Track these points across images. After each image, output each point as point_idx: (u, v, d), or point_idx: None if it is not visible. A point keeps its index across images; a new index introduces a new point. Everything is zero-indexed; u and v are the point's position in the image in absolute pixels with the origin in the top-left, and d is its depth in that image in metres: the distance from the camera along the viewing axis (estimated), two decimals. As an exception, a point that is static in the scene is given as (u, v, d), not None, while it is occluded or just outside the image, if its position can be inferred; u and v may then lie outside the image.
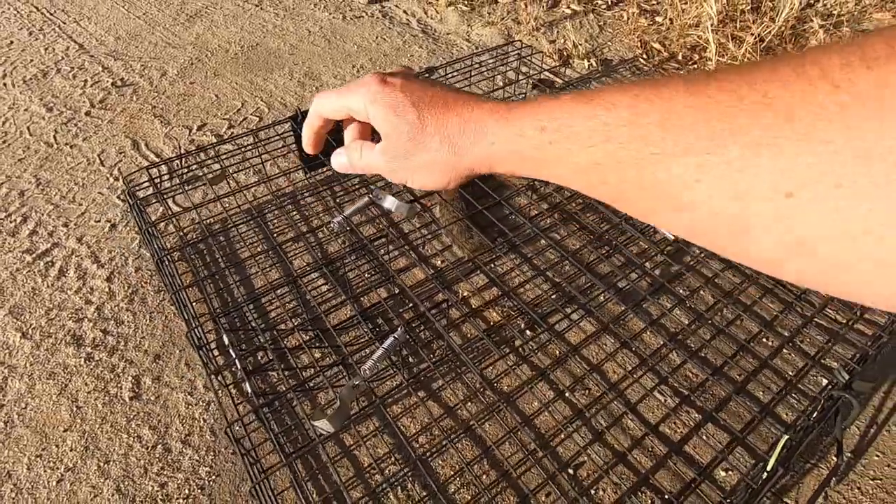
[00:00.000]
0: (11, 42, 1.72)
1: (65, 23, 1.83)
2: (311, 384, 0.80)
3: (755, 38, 1.58)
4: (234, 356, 0.70)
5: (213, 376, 0.76)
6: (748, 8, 1.80)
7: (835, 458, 0.72)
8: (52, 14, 1.88)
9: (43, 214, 1.12)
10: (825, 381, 0.81)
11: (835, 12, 1.80)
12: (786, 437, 0.60)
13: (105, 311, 0.94)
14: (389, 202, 0.69)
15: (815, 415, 0.65)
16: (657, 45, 1.66)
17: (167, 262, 0.92)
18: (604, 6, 1.89)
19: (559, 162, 0.25)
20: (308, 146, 0.40)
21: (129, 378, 0.84)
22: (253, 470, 0.65)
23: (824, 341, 0.86)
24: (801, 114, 0.17)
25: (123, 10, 1.90)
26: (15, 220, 1.10)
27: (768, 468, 0.58)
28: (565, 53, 1.64)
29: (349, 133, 0.38)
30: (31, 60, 1.63)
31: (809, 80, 0.17)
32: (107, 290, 0.97)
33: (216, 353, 0.85)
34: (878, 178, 0.15)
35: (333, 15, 1.87)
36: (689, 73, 0.21)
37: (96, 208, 1.13)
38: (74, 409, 0.81)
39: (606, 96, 0.24)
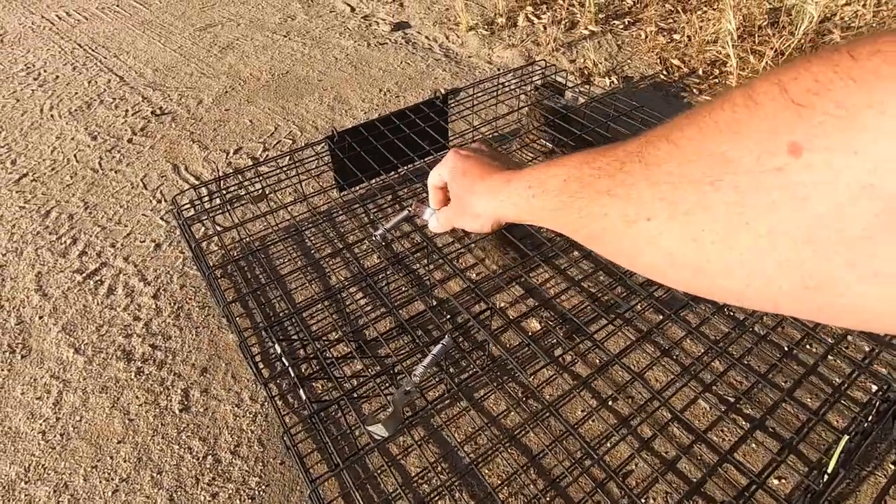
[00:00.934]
0: (57, 77, 1.81)
1: (105, 58, 1.93)
2: (359, 393, 0.81)
3: (775, 51, 1.60)
4: (286, 364, 0.72)
5: (264, 386, 0.77)
6: (766, 23, 1.83)
7: (892, 466, 0.70)
8: (93, 50, 1.99)
9: (91, 236, 1.17)
10: (874, 388, 0.80)
11: (854, 24, 1.82)
12: (846, 437, 0.59)
13: (153, 327, 0.97)
14: (428, 213, 0.72)
15: (871, 417, 0.64)
16: (676, 62, 1.69)
17: (214, 278, 0.95)
18: (621, 26, 1.94)
19: (540, 210, 0.34)
20: (433, 202, 0.51)
21: (179, 391, 0.86)
22: (306, 478, 0.66)
23: (870, 347, 0.85)
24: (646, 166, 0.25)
25: (160, 45, 2.00)
26: (65, 242, 1.15)
27: (829, 470, 0.57)
28: (586, 72, 1.67)
29: (433, 197, 0.50)
30: (76, 93, 1.71)
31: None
32: (154, 306, 1.00)
33: (262, 365, 0.87)
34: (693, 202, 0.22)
35: (358, 43, 1.94)
36: (598, 148, 0.30)
37: (141, 229, 1.18)
38: (127, 421, 0.83)
39: (555, 166, 0.33)
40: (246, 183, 1.20)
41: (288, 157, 1.22)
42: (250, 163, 1.35)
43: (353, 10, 2.23)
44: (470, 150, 0.45)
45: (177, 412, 0.83)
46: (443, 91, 1.61)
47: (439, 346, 0.72)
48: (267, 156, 1.38)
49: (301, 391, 0.71)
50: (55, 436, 0.82)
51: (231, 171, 1.32)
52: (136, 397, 0.86)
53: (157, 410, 0.84)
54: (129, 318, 0.98)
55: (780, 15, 1.86)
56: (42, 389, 0.88)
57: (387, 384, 0.83)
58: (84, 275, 1.07)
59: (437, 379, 0.83)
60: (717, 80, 1.59)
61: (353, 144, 1.13)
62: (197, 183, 1.29)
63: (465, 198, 0.43)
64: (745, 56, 1.62)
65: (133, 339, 0.95)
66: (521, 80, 1.46)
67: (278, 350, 0.74)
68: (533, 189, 0.34)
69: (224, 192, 1.18)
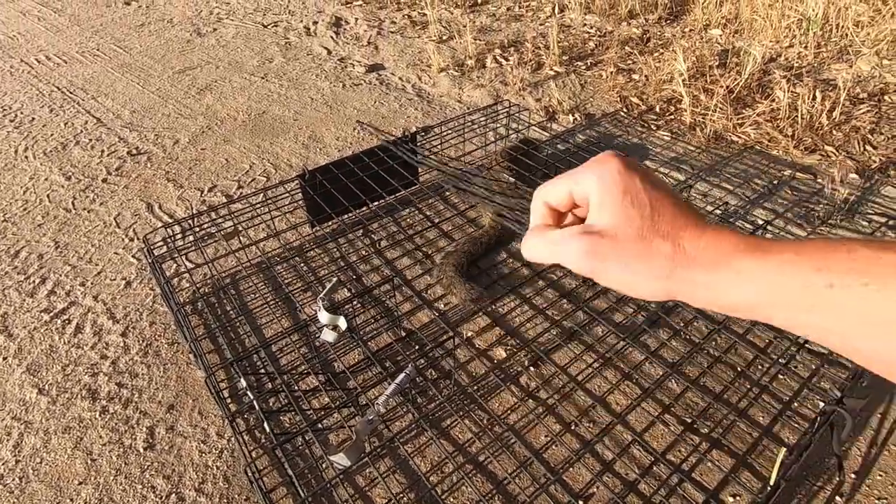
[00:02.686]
0: (33, 119, 1.83)
1: (83, 100, 1.96)
2: (324, 424, 0.82)
3: (725, 89, 1.71)
4: (251, 398, 0.73)
5: (230, 420, 0.78)
6: (716, 64, 1.95)
7: (837, 479, 0.73)
8: (71, 93, 2.02)
9: (61, 275, 1.17)
10: (822, 404, 0.83)
11: (795, 64, 1.96)
12: (783, 450, 0.62)
13: (120, 365, 0.96)
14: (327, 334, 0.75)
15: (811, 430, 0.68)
16: (635, 100, 1.79)
17: (182, 316, 0.96)
18: (584, 67, 2.05)
19: (843, 310, 0.23)
20: (536, 218, 0.34)
21: (144, 429, 0.86)
22: (269, 511, 0.66)
23: (817, 365, 0.89)
24: None
25: (138, 87, 2.04)
26: (34, 282, 1.15)
27: (771, 482, 0.59)
28: (551, 110, 1.76)
29: (536, 213, 0.33)
30: (52, 134, 1.73)
31: None
32: (122, 344, 1.00)
33: (229, 400, 0.87)
34: None
35: (334, 84, 2.02)
36: None
37: (112, 267, 1.18)
38: (89, 461, 0.82)
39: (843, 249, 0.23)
40: (219, 220, 1.22)
41: (261, 195, 1.25)
42: (224, 200, 1.37)
43: (329, 52, 2.32)
44: (642, 170, 0.29)
45: (141, 450, 0.83)
46: (412, 130, 1.68)
47: (402, 374, 0.74)
48: (241, 193, 1.40)
49: (266, 423, 0.71)
50: (13, 479, 0.80)
51: (205, 208, 1.34)
52: (100, 437, 0.85)
53: (121, 449, 0.83)
54: (96, 357, 0.98)
55: (729, 56, 2.00)
56: (2, 432, 0.87)
57: (353, 415, 0.84)
58: (51, 314, 1.07)
59: (404, 409, 0.84)
60: (672, 117, 1.68)
61: (324, 182, 1.17)
62: (170, 221, 1.31)
63: (651, 238, 0.28)
64: (697, 94, 1.73)
65: (99, 377, 0.94)
66: (488, 117, 1.53)
67: (243, 384, 0.75)
68: (832, 275, 0.23)
69: (196, 229, 1.19)
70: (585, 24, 2.46)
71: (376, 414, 0.68)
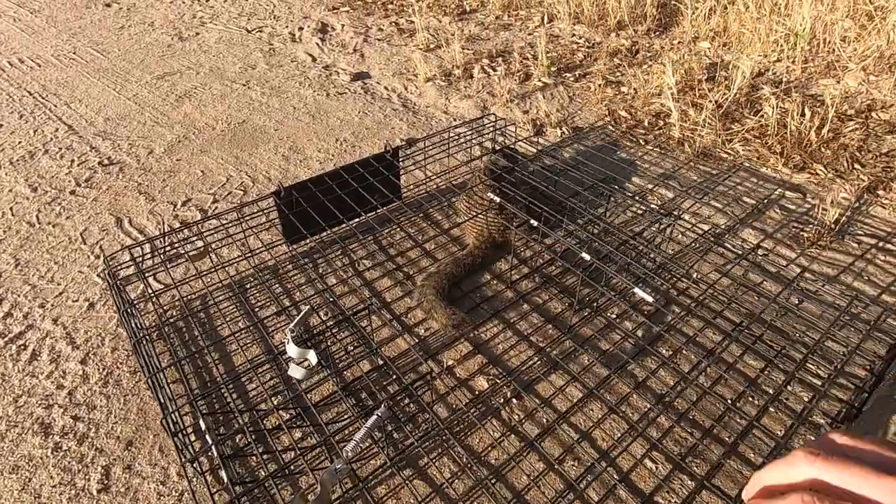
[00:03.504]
0: (0, 125, 1.76)
1: (56, 105, 1.89)
2: (292, 468, 0.77)
3: (714, 104, 1.69)
4: (210, 442, 0.68)
5: (188, 464, 0.72)
6: (705, 77, 1.94)
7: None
8: (44, 98, 1.95)
9: (19, 296, 1.10)
10: (813, 439, 0.80)
11: (784, 79, 1.95)
12: None
13: (77, 396, 0.90)
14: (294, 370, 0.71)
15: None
16: (624, 113, 1.76)
17: (144, 343, 0.90)
18: (572, 79, 2.02)
19: None
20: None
21: (99, 468, 0.80)
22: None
23: (808, 398, 0.86)
24: None
25: (114, 93, 1.97)
26: (-11, 303, 1.08)
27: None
28: (538, 123, 1.73)
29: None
30: (20, 142, 1.66)
31: None
32: (80, 372, 0.94)
33: (193, 437, 0.82)
34: None
35: (318, 92, 1.97)
36: None
37: (75, 287, 1.12)
38: (37, 506, 0.76)
39: None
40: (192, 237, 1.16)
41: (235, 212, 1.20)
42: (198, 215, 1.32)
43: (314, 59, 2.27)
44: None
45: (94, 493, 0.77)
46: (395, 143, 1.63)
47: (373, 417, 0.69)
48: (216, 208, 1.35)
49: (223, 472, 0.66)
50: (-47, 527, 0.74)
51: (177, 224, 1.28)
52: (51, 477, 0.79)
53: (73, 492, 0.77)
54: (51, 387, 0.92)
55: (718, 70, 1.98)
56: (-56, 472, 0.80)
57: (323, 456, 0.79)
58: (6, 339, 1.01)
59: (378, 449, 0.79)
60: (661, 131, 1.66)
61: (300, 200, 1.12)
62: (139, 238, 1.25)
63: None
64: (686, 109, 1.71)
65: (54, 410, 0.88)
66: (474, 131, 1.49)
67: (202, 426, 0.69)
68: None
69: (166, 248, 1.14)
70: (574, 35, 2.44)
71: (345, 462, 0.63)
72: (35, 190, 1.43)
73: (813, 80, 1.93)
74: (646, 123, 1.69)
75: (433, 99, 1.91)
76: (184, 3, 3.03)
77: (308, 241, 1.19)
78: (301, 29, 2.60)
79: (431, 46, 2.34)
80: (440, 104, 1.88)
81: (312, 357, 0.78)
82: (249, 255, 1.14)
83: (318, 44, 2.43)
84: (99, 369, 0.95)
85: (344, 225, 1.20)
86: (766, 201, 1.33)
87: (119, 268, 1.07)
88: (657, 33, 2.44)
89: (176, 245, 1.14)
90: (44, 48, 2.42)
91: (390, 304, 1.05)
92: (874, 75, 1.91)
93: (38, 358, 0.97)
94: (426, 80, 2.02)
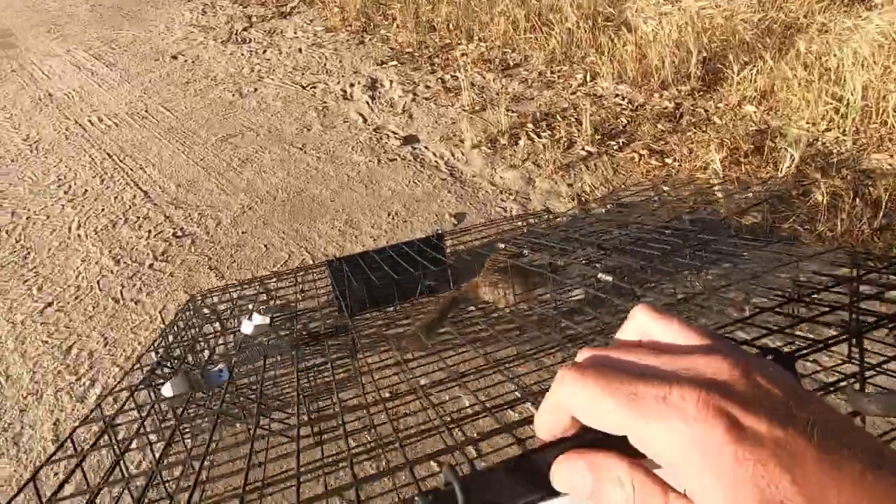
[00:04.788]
0: (86, 191, 1.93)
1: (132, 169, 2.06)
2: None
3: (761, 185, 1.70)
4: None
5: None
6: (751, 149, 1.94)
7: None
8: (121, 160, 2.12)
9: (109, 377, 1.22)
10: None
11: (833, 150, 1.93)
12: None
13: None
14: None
15: None
16: (666, 187, 1.79)
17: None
18: (616, 147, 2.06)
19: None
20: (544, 433, 0.23)
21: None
22: None
23: None
24: None
25: (183, 157, 2.14)
26: (84, 384, 1.20)
27: None
28: (583, 198, 1.77)
29: (550, 423, 0.22)
30: (103, 209, 1.82)
31: None
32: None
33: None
34: None
35: (369, 158, 2.07)
36: None
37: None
38: None
39: None
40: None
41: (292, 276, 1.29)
42: (263, 296, 1.42)
43: (365, 120, 2.39)
44: (771, 407, 0.18)
45: None
46: (444, 217, 1.71)
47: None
48: (279, 290, 1.45)
49: None
50: None
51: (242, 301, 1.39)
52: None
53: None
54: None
55: (765, 139, 1.99)
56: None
57: None
58: (100, 424, 1.12)
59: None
60: (706, 210, 1.68)
61: (351, 274, 1.20)
62: (206, 314, 1.36)
63: None
64: (731, 190, 1.72)
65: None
66: (516, 226, 1.55)
67: None
68: None
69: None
70: (617, 95, 2.48)
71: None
72: (118, 262, 1.57)
73: (865, 154, 1.91)
74: (691, 204, 1.71)
75: (479, 167, 1.98)
76: (243, 55, 3.23)
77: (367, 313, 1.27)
78: (352, 86, 2.74)
79: (477, 108, 2.42)
80: (486, 173, 1.95)
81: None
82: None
83: (368, 102, 2.55)
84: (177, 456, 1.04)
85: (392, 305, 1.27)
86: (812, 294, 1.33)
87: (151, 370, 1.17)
88: (701, 93, 2.45)
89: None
90: (119, 105, 2.64)
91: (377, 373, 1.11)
92: (931, 150, 1.87)
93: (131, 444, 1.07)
94: (472, 147, 2.10)
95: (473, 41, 3.12)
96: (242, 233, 1.68)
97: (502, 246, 1.26)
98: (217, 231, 1.69)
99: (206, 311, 1.22)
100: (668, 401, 0.18)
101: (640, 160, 1.96)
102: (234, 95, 2.68)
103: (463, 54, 3.00)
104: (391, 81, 2.77)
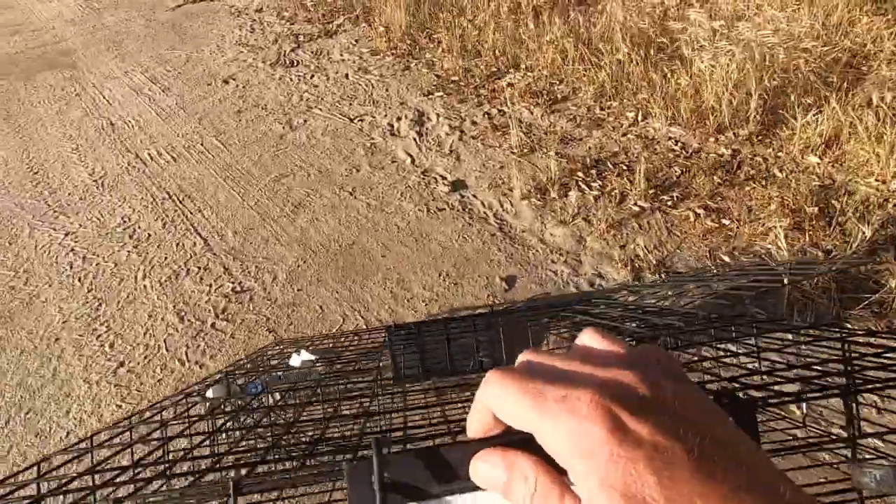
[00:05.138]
0: (149, 235, 2.02)
1: (192, 212, 2.14)
2: None
3: (826, 261, 1.64)
4: None
5: None
6: (815, 211, 1.86)
7: None
8: (181, 202, 2.21)
9: (177, 448, 1.28)
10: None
11: (906, 216, 1.84)
12: None
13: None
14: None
15: None
16: (726, 258, 1.74)
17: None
18: (669, 202, 2.01)
19: None
20: (471, 431, 0.25)
21: None
22: None
23: None
24: None
25: (239, 199, 2.20)
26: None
27: None
28: (636, 264, 1.75)
29: (477, 420, 0.24)
30: (166, 258, 1.90)
31: None
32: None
33: None
34: None
35: (418, 206, 2.09)
36: None
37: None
38: None
39: None
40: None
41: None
42: (318, 366, 1.46)
43: (413, 160, 2.40)
44: (655, 412, 0.19)
45: None
46: (496, 281, 1.71)
47: None
48: (336, 354, 1.49)
49: None
50: None
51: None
52: None
53: None
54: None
55: (831, 196, 1.90)
56: None
57: None
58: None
59: None
60: (767, 292, 1.63)
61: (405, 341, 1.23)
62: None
63: None
64: (796, 272, 1.66)
65: None
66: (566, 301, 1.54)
67: None
68: None
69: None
70: (670, 138, 2.42)
71: None
72: (182, 319, 1.65)
73: (941, 221, 1.81)
74: (749, 282, 1.66)
75: (529, 222, 1.98)
76: (291, 80, 3.29)
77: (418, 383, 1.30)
78: (399, 119, 2.75)
79: (525, 150, 2.40)
80: (536, 229, 1.94)
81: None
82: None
83: (415, 139, 2.56)
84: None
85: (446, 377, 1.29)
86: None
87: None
88: (760, 139, 2.36)
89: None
90: (176, 136, 2.73)
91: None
92: None
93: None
94: (522, 198, 2.09)
95: (520, 70, 3.08)
96: (298, 290, 1.73)
97: (554, 336, 1.26)
98: (273, 287, 1.75)
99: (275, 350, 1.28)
100: (566, 400, 0.19)
101: (695, 220, 1.91)
102: (284, 128, 2.74)
103: (509, 84, 2.97)
104: (437, 115, 2.77)
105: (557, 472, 0.21)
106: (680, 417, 0.19)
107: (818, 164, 2.15)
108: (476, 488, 0.24)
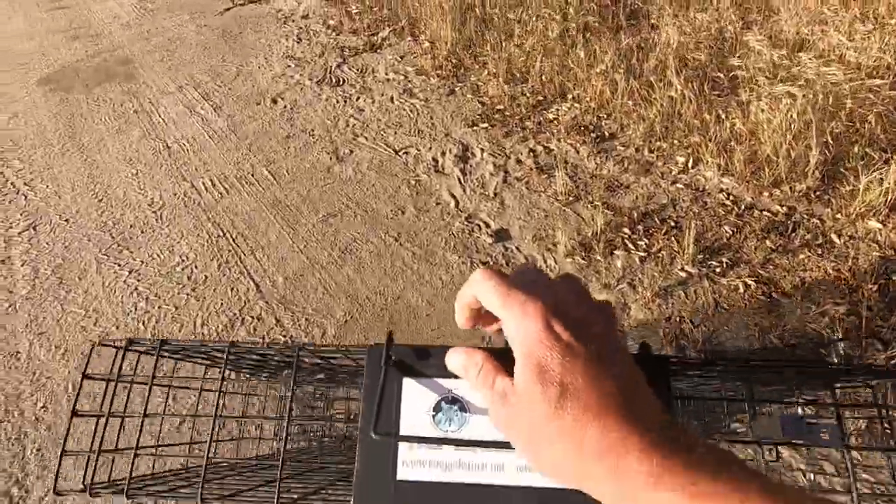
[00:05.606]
0: (206, 277, 2.12)
1: (244, 254, 2.23)
2: None
3: (882, 347, 1.59)
4: None
5: None
6: (875, 289, 1.80)
7: None
8: (234, 240, 2.30)
9: (239, 517, 1.38)
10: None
11: (973, 301, 1.75)
12: None
13: None
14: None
15: None
16: (776, 340, 1.71)
17: None
18: (718, 270, 1.98)
19: None
20: (460, 321, 0.37)
21: None
22: None
23: None
24: None
25: (289, 241, 2.28)
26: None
27: None
28: (681, 342, 1.74)
29: (464, 315, 0.36)
30: (221, 305, 2.00)
31: None
32: None
33: None
34: None
35: (462, 257, 2.12)
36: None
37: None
38: None
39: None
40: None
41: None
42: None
43: (457, 203, 2.42)
44: (577, 326, 0.31)
45: None
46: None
47: None
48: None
49: None
50: None
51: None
52: None
53: None
54: None
55: (892, 271, 1.84)
56: None
57: None
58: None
59: None
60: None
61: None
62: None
63: (548, 429, 0.29)
64: (855, 345, 1.62)
65: None
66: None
67: None
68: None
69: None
70: (722, 190, 2.35)
71: None
72: (239, 376, 1.74)
73: None
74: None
75: (573, 283, 1.98)
76: (337, 102, 3.33)
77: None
78: (443, 154, 2.77)
79: (570, 198, 2.38)
80: (579, 292, 1.94)
81: None
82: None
83: (459, 178, 2.58)
84: None
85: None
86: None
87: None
88: (818, 195, 2.27)
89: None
90: (227, 164, 2.82)
91: None
92: None
93: None
94: (566, 255, 2.09)
95: (567, 100, 3.03)
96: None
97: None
98: (323, 343, 1.82)
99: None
100: (524, 304, 0.31)
101: (745, 291, 1.88)
102: (331, 159, 2.79)
103: (555, 118, 2.93)
104: (482, 150, 2.76)
105: (503, 367, 0.33)
106: (590, 334, 0.31)
107: (880, 229, 2.07)
108: (453, 375, 0.38)
